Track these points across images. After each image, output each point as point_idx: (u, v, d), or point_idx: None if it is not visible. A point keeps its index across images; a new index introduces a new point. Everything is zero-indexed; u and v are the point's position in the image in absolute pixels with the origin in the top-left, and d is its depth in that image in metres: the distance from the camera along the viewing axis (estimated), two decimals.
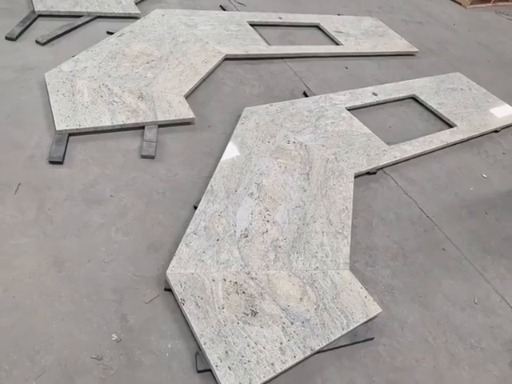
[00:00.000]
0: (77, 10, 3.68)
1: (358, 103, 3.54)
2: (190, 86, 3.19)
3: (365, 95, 3.67)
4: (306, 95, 3.56)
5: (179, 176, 2.57)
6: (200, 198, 2.39)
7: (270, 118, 3.07)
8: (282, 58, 3.99)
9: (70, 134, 2.59)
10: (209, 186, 2.44)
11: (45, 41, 3.27)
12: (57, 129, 2.54)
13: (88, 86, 2.87)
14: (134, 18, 3.91)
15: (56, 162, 2.40)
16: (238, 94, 3.38)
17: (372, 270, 2.34)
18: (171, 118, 2.85)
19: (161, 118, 2.82)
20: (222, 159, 2.63)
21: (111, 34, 3.60)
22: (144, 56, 3.35)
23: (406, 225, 2.65)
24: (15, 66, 3.01)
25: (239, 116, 3.09)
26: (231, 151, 2.71)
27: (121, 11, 3.85)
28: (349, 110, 3.44)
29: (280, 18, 4.54)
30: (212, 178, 2.50)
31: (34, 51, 3.20)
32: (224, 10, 4.50)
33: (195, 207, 2.35)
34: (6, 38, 3.21)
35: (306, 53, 4.08)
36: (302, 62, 4.03)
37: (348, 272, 2.19)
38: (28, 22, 3.41)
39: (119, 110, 2.78)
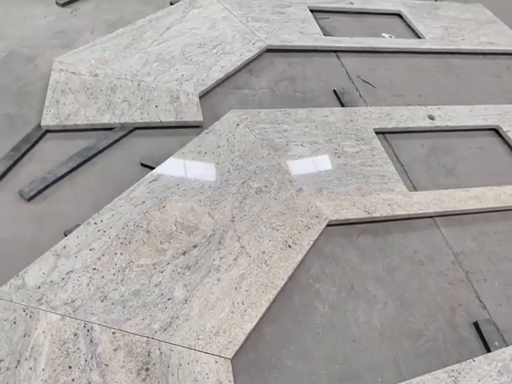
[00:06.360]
0: (105, 120, 2.28)
1: None
2: (250, 324, 1.63)
3: None
4: (485, 345, 1.73)
5: None
6: None
7: None
8: (431, 217, 2.21)
9: None
10: None
11: (33, 193, 1.92)
12: None
13: (53, 341, 1.44)
14: (195, 127, 2.46)
15: None
16: (342, 331, 1.71)
17: None
18: None
19: None
20: None
21: (148, 168, 2.18)
22: (183, 233, 1.85)
23: None
24: None
25: None
26: None
27: (172, 119, 2.39)
28: None
29: (431, 120, 2.69)
30: None
31: (11, 214, 1.89)
32: (340, 100, 2.78)
33: None
34: None
35: (465, 210, 2.23)
36: (468, 221, 2.21)
37: None
38: (24, 149, 2.10)
39: None
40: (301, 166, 2.21)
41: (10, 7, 3.03)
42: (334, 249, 1.95)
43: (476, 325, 1.76)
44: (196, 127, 2.39)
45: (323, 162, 2.24)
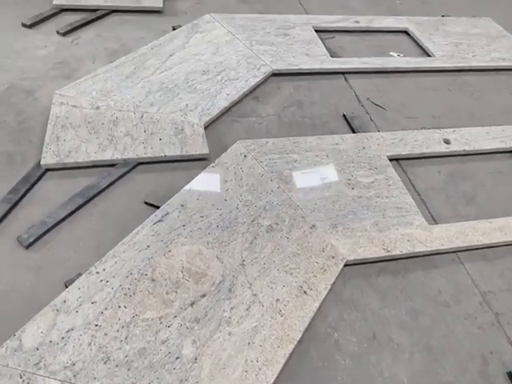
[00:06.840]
0: (107, 157, 2.17)
1: None
2: None
3: None
4: None
5: None
6: None
7: None
8: (454, 251, 2.07)
9: None
10: None
11: (32, 240, 1.80)
12: None
13: None
14: (201, 159, 2.35)
15: None
16: None
17: None
18: None
19: None
20: None
21: (153, 207, 2.07)
22: (190, 281, 1.73)
23: None
24: None
25: None
26: None
27: (177, 153, 2.29)
28: None
29: (447, 145, 2.56)
30: None
31: (9, 263, 1.76)
32: (350, 125, 2.67)
33: None
34: None
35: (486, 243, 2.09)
36: (493, 256, 2.06)
37: None
38: (23, 190, 2.00)
39: None
40: (311, 198, 2.08)
41: (10, 38, 2.95)
42: (352, 292, 1.81)
43: (510, 375, 1.60)
44: (202, 160, 2.28)
45: (334, 193, 2.12)
